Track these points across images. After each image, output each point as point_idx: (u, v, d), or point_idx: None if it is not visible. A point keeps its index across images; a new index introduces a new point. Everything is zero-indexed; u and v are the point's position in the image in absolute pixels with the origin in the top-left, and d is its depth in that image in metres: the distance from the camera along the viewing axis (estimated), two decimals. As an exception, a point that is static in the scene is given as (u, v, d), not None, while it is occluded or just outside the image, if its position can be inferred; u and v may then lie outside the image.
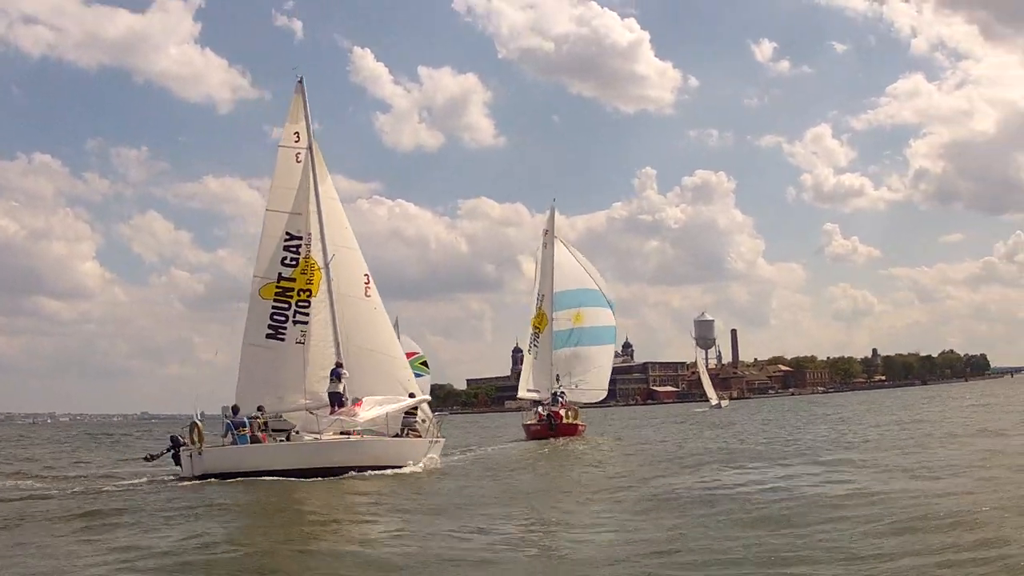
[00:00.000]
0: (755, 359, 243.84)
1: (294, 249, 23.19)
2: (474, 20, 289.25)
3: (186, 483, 19.69)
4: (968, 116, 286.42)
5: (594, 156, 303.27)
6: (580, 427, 36.28)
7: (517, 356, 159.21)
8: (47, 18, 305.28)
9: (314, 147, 23.73)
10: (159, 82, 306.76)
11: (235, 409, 21.59)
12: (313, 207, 23.40)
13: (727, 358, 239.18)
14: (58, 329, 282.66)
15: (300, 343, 22.90)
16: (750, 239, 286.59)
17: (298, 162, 23.54)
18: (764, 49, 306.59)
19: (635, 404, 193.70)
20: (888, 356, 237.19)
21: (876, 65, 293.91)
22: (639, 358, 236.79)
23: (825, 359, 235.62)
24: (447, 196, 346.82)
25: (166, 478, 20.89)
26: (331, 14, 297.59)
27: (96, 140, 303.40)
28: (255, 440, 20.92)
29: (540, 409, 37.11)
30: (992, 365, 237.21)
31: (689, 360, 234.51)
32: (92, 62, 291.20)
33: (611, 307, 41.67)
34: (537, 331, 39.92)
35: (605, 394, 42.25)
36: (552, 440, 34.16)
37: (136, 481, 20.62)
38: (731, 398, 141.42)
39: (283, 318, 22.88)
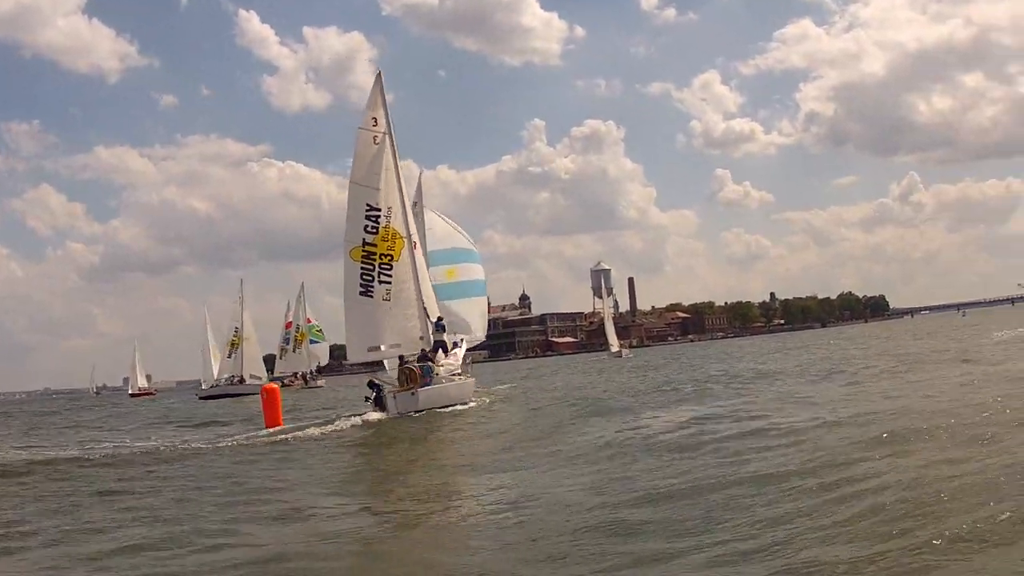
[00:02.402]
0: (652, 307, 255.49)
1: (374, 219, 28.49)
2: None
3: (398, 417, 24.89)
4: (857, 59, 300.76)
5: (482, 110, 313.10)
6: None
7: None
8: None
9: (392, 132, 29.14)
10: (47, 55, 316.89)
11: (423, 355, 27.44)
12: (391, 183, 28.87)
13: (624, 307, 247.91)
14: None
15: (386, 300, 28.30)
16: (641, 187, 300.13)
17: (375, 144, 28.73)
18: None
19: (535, 356, 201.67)
20: (786, 299, 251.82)
21: (763, 11, 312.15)
22: (536, 310, 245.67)
23: (723, 304, 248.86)
24: (337, 155, 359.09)
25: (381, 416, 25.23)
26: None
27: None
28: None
29: None
30: (891, 306, 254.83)
31: (586, 310, 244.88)
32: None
33: (479, 261, 46.92)
34: None
35: (482, 340, 46.96)
36: None
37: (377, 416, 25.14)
38: (631, 346, 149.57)
39: (370, 278, 28.13)
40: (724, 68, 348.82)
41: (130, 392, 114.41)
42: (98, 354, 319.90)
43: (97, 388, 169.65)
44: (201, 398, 69.11)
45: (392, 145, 28.98)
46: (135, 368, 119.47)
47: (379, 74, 29.29)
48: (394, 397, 25.78)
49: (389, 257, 28.71)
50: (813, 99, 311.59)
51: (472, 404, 28.21)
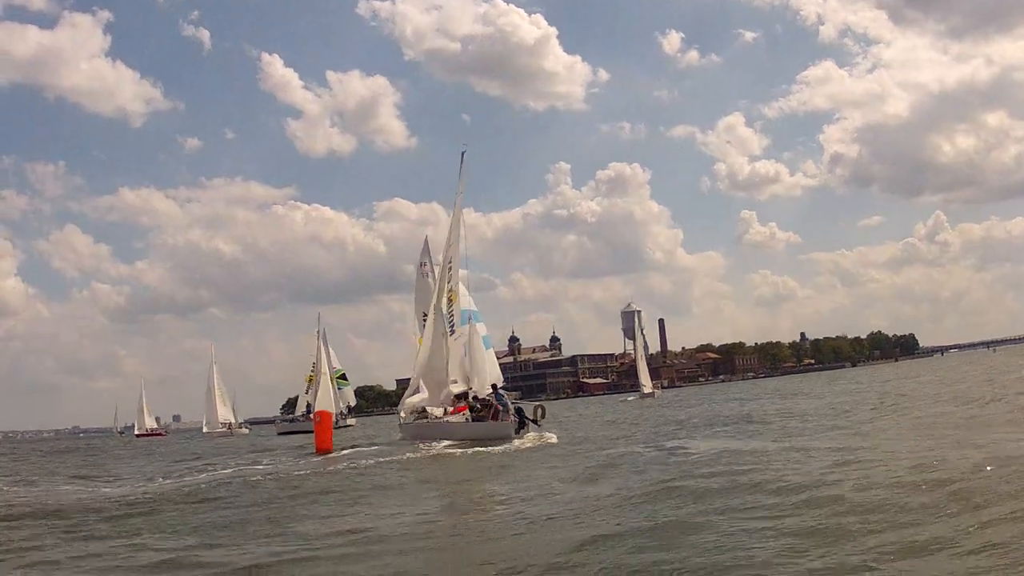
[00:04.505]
0: (682, 348, 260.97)
1: (449, 273, 36.53)
2: (379, 24, 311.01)
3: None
4: (880, 100, 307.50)
5: (506, 153, 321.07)
6: None
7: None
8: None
9: (459, 204, 36.86)
10: (71, 98, 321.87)
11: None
12: (453, 244, 36.44)
13: (655, 348, 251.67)
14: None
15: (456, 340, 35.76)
16: (667, 229, 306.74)
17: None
18: (672, 40, 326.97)
19: (566, 397, 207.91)
20: (817, 340, 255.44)
21: (785, 53, 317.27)
22: (566, 351, 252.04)
23: (753, 345, 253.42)
24: (362, 199, 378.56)
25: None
26: (237, 22, 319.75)
27: (11, 157, 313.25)
28: None
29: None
30: (920, 345, 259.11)
31: (616, 351, 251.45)
32: (4, 80, 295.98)
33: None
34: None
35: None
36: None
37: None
38: (662, 387, 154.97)
39: (445, 323, 35.85)
40: (748, 110, 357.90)
41: (136, 433, 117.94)
42: (125, 394, 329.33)
43: (121, 428, 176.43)
44: (280, 434, 71.70)
45: (459, 214, 36.76)
46: (142, 409, 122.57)
47: (463, 153, 37.33)
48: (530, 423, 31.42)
49: (451, 311, 36.15)
50: (837, 141, 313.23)
51: None
